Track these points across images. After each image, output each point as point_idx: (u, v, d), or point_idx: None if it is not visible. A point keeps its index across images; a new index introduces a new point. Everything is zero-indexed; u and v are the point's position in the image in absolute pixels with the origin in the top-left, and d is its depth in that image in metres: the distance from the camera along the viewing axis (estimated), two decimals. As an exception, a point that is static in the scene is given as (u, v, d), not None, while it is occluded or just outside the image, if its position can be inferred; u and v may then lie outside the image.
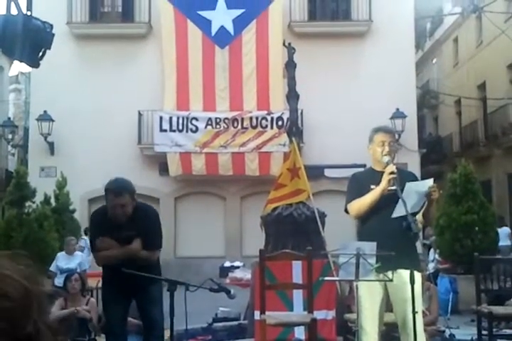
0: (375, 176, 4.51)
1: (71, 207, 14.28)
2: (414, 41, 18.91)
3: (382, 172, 4.45)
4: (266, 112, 16.88)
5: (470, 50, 22.96)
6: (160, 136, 17.08)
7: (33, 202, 12.89)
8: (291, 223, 7.51)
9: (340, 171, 15.81)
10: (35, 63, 5.61)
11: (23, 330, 0.88)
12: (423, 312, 4.97)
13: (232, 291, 4.53)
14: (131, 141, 17.44)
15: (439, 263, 12.41)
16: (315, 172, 14.88)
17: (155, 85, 17.20)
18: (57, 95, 17.26)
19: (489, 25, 19.46)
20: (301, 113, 15.16)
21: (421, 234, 12.91)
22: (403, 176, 4.50)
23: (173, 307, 4.26)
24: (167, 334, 5.20)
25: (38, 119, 17.42)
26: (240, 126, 16.91)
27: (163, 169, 17.38)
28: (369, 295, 4.38)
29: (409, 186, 4.32)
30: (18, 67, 29.58)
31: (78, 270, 9.40)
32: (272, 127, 16.89)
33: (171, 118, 17.03)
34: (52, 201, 14.03)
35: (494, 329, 6.79)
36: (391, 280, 4.26)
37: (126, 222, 4.79)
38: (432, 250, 13.42)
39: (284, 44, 8.88)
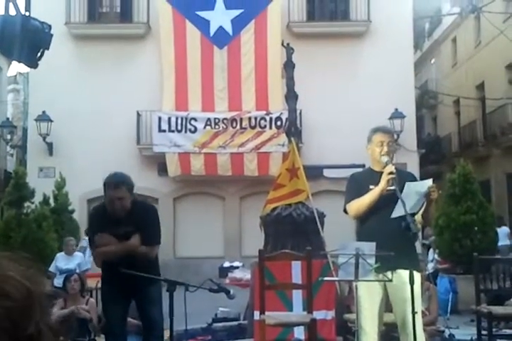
0: (373, 176, 4.51)
1: (70, 208, 14.28)
2: (412, 41, 18.94)
3: (381, 173, 4.45)
4: (265, 112, 16.88)
5: (469, 50, 22.97)
6: (159, 137, 17.07)
7: (32, 203, 12.88)
8: (290, 223, 7.51)
9: (339, 171, 15.82)
10: (33, 63, 5.61)
11: (25, 331, 0.88)
12: (422, 312, 4.97)
13: (231, 291, 4.53)
14: (129, 142, 17.43)
15: (438, 263, 12.40)
16: (314, 173, 14.88)
17: (153, 85, 17.20)
18: (55, 95, 17.25)
19: (488, 26, 19.46)
20: (300, 113, 15.15)
21: (420, 234, 12.96)
22: (402, 176, 4.50)
23: (173, 307, 4.26)
24: (167, 334, 5.19)
25: (36, 120, 17.41)
26: (238, 127, 16.91)
27: (162, 169, 17.37)
28: (368, 296, 4.38)
29: (409, 186, 4.32)
30: (17, 67, 29.62)
31: (77, 270, 9.39)
32: (270, 127, 16.89)
33: (169, 118, 17.03)
34: (51, 201, 14.03)
35: (494, 329, 6.80)
36: (390, 281, 4.26)
37: (124, 217, 4.79)
38: (431, 250, 13.42)
39: (282, 44, 8.87)
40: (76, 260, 9.98)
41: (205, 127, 16.95)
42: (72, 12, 17.90)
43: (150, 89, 17.30)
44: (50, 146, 17.68)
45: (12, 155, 27.67)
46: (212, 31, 17.18)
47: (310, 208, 7.64)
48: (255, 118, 16.93)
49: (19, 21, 5.36)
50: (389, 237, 4.24)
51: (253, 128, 16.90)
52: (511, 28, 18.57)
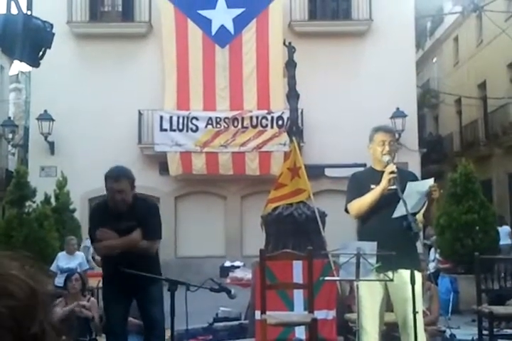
0: (375, 176, 4.51)
1: (71, 207, 14.28)
2: (414, 40, 18.90)
3: (382, 172, 4.44)
4: (266, 111, 16.88)
5: (470, 49, 22.95)
6: (160, 136, 17.08)
7: (34, 202, 12.89)
8: (291, 223, 7.51)
9: (340, 171, 15.81)
10: (35, 63, 5.60)
11: (29, 330, 0.88)
12: (424, 312, 4.97)
13: (232, 291, 4.52)
14: (131, 141, 17.44)
15: (439, 262, 12.40)
16: (315, 172, 14.88)
17: (155, 85, 17.21)
18: (57, 95, 17.26)
19: (489, 25, 19.46)
20: (302, 112, 15.15)
21: (421, 233, 12.94)
22: (403, 176, 4.49)
23: (174, 307, 4.26)
24: (168, 334, 5.19)
25: (38, 119, 17.42)
26: (240, 126, 16.92)
27: (164, 168, 17.38)
28: (369, 295, 4.38)
29: (410, 186, 4.32)
30: (19, 66, 29.61)
31: (78, 270, 9.39)
32: (272, 126, 16.89)
33: (171, 117, 17.03)
34: (53, 200, 14.03)
35: (495, 329, 6.78)
36: (391, 280, 4.26)
37: (126, 212, 4.81)
38: (432, 250, 13.42)
39: (284, 43, 8.87)
40: (77, 259, 9.99)
41: (206, 126, 16.95)
42: (74, 11, 17.91)
43: (151, 88, 17.30)
44: (51, 145, 17.69)
45: (13, 154, 27.72)
46: (213, 30, 17.18)
47: (311, 207, 7.64)
48: (257, 118, 16.93)
49: (21, 20, 5.36)
50: (390, 237, 4.24)
51: (254, 127, 16.90)
52: (513, 27, 18.55)
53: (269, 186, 8.85)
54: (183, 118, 17.01)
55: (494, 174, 20.51)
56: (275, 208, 7.74)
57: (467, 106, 22.86)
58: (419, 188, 4.35)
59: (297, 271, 6.38)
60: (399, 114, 17.17)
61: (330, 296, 6.64)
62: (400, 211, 4.22)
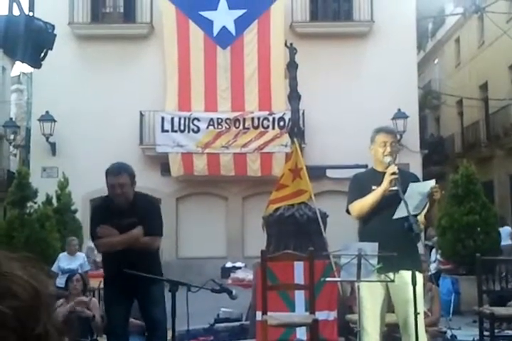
0: (376, 177, 4.51)
1: (73, 208, 14.29)
2: (416, 41, 18.91)
3: (383, 173, 4.45)
4: (267, 113, 16.88)
5: (472, 51, 22.95)
6: (162, 137, 17.09)
7: (35, 203, 12.91)
8: (293, 224, 7.51)
9: (341, 172, 15.80)
10: (37, 64, 5.62)
11: (33, 331, 0.88)
12: (425, 313, 4.97)
13: (233, 292, 4.52)
14: (132, 142, 17.45)
15: (441, 263, 12.39)
16: (317, 173, 14.88)
17: (157, 86, 17.22)
18: (59, 96, 17.27)
19: (491, 26, 19.45)
20: (303, 113, 15.13)
21: (423, 234, 12.94)
22: (405, 177, 4.50)
23: (175, 307, 4.26)
24: (169, 334, 5.19)
25: (39, 120, 17.44)
26: (241, 127, 16.92)
27: (165, 169, 17.38)
28: (370, 296, 4.38)
29: (412, 187, 4.32)
30: (20, 67, 29.61)
31: (80, 270, 9.39)
32: (273, 127, 16.89)
33: (172, 118, 17.05)
34: (54, 201, 14.04)
35: (496, 330, 6.79)
36: (393, 281, 4.26)
37: (127, 209, 4.82)
38: (433, 251, 13.41)
39: (285, 44, 8.87)
40: (78, 260, 9.99)
41: (208, 127, 16.96)
42: (76, 12, 17.93)
43: (153, 89, 17.31)
44: (53, 146, 17.70)
45: (15, 155, 27.75)
46: (215, 31, 17.19)
47: (313, 208, 7.64)
48: (258, 119, 16.94)
49: (23, 21, 5.37)
50: (391, 238, 4.24)
51: (256, 128, 16.91)
52: (515, 28, 18.55)
53: (271, 187, 8.85)
54: (185, 119, 17.02)
55: (496, 175, 20.50)
56: (277, 209, 7.74)
57: (469, 107, 22.85)
58: (420, 189, 4.35)
59: (298, 271, 6.39)
60: (400, 115, 17.16)
61: (331, 297, 6.65)
62: (401, 212, 4.22)
